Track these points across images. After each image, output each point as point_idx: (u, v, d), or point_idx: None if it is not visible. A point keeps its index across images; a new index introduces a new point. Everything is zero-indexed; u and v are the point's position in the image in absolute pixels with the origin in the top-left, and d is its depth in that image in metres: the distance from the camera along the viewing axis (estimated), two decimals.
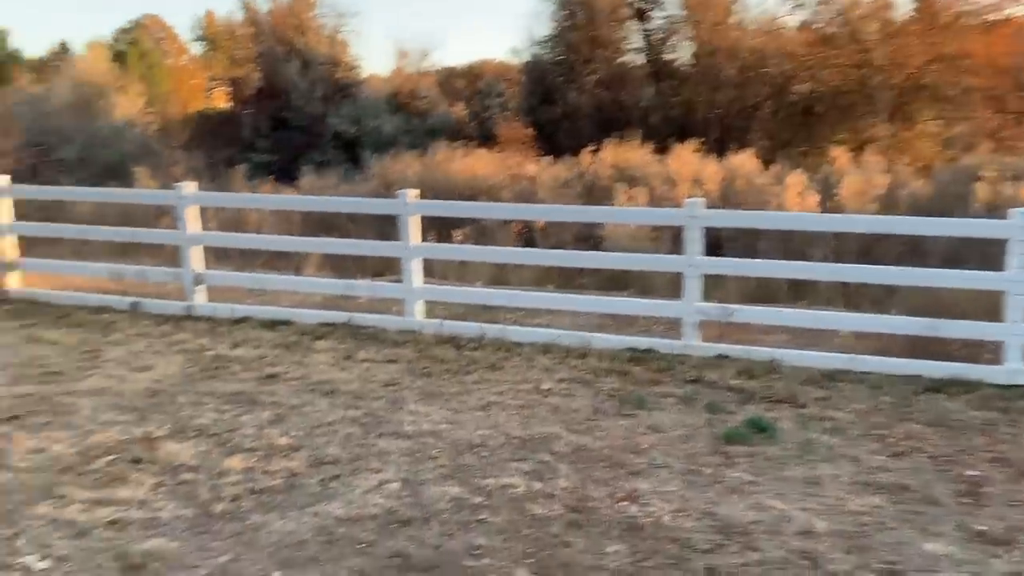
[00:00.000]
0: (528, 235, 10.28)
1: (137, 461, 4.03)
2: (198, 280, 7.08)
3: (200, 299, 7.07)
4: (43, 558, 3.17)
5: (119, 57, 23.41)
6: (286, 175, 14.78)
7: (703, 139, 12.93)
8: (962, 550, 3.29)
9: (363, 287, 7.15)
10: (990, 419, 4.65)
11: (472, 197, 11.19)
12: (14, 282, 7.73)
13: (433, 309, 6.73)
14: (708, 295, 5.98)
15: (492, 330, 6.27)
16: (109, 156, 16.83)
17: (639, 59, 18.63)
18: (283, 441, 4.32)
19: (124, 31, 28.20)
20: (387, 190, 11.80)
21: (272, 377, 5.38)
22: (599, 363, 5.61)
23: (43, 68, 21.73)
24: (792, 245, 8.90)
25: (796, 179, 10.18)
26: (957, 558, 3.24)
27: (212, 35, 24.36)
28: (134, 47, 25.73)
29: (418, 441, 4.33)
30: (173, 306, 7.09)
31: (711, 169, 11.10)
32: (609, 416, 4.69)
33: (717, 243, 8.17)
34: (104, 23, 53.54)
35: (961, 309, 5.74)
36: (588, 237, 9.74)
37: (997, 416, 4.69)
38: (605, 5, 18.08)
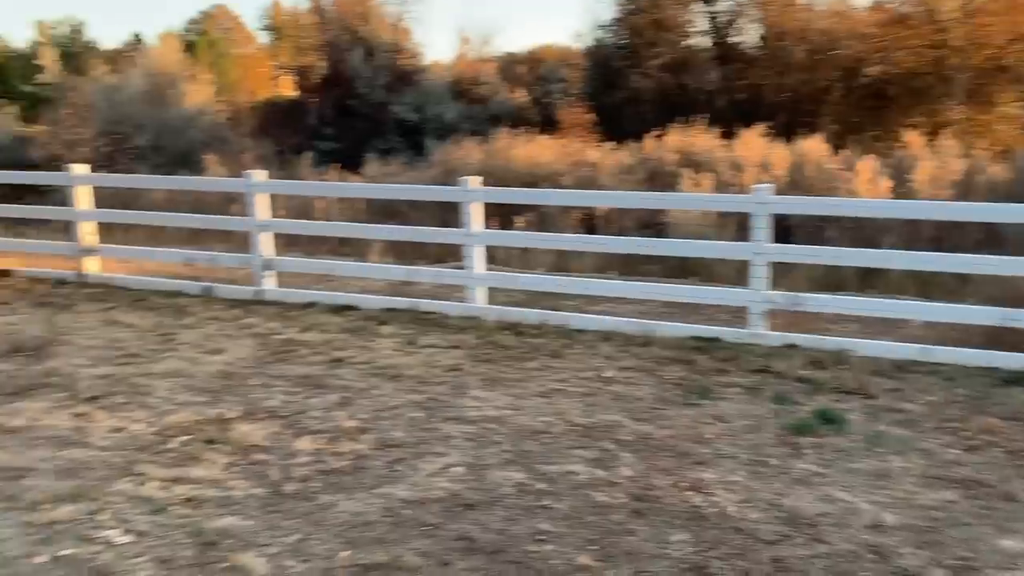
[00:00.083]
0: (590, 222, 10.22)
1: (211, 441, 4.16)
2: (267, 266, 7.24)
3: (269, 284, 7.24)
4: (124, 533, 3.30)
5: (189, 47, 23.97)
6: (351, 162, 14.95)
7: (770, 123, 12.64)
8: None
9: (426, 273, 7.23)
10: None
11: (533, 183, 11.16)
12: (93, 267, 8.03)
13: (495, 296, 6.77)
14: (775, 283, 5.88)
15: (554, 317, 6.28)
16: (181, 144, 17.28)
17: (705, 42, 18.30)
18: (350, 424, 4.40)
19: (194, 22, 28.92)
20: (449, 177, 11.85)
21: (339, 361, 5.49)
22: (662, 351, 5.57)
23: (118, 59, 22.38)
24: (862, 232, 8.67)
25: (867, 164, 9.89)
26: None
27: (278, 24, 24.78)
28: (204, 37, 26.34)
29: (481, 426, 4.37)
30: (243, 291, 7.27)
31: (779, 154, 10.85)
32: (673, 405, 4.66)
33: (785, 230, 8.00)
34: (176, 14, 54.94)
35: None
36: (651, 224, 9.63)
37: None
38: None
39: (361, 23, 20.56)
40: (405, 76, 20.35)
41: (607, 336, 5.94)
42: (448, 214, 7.37)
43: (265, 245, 7.27)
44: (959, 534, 3.29)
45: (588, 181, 11.14)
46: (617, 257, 8.26)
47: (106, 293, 7.49)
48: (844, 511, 3.48)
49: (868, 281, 7.51)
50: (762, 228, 5.70)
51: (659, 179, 10.98)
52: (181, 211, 9.78)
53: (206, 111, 18.88)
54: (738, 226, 8.69)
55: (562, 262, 8.78)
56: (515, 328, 6.17)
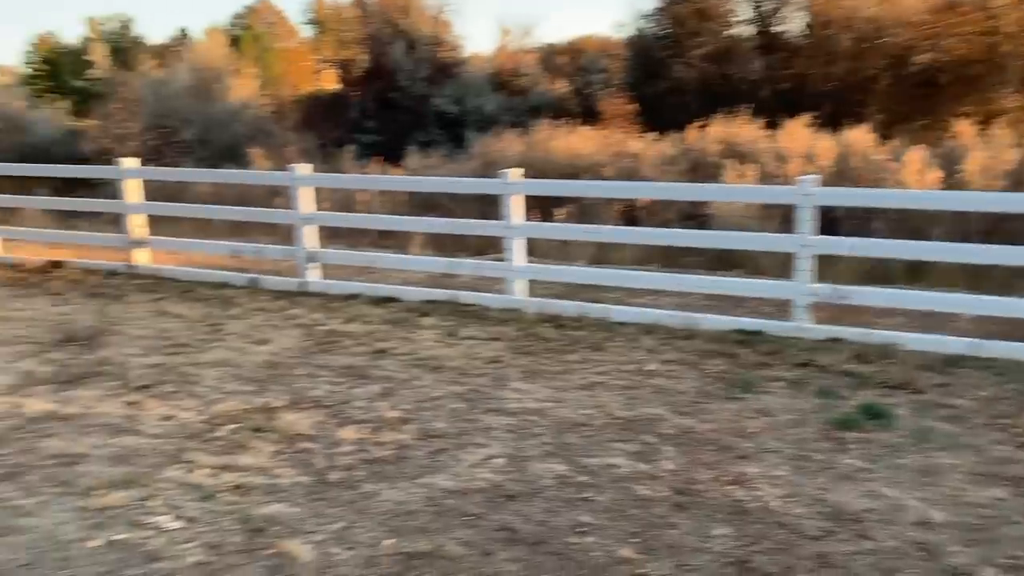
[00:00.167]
0: (631, 213, 10.17)
1: (258, 430, 4.24)
2: (311, 258, 7.34)
3: (313, 276, 7.34)
4: (174, 519, 3.38)
5: (234, 42, 24.31)
6: (392, 155, 15.06)
7: (815, 113, 12.43)
8: None
9: (467, 266, 7.26)
10: None
11: (574, 175, 11.14)
12: (143, 258, 8.20)
13: (535, 288, 6.77)
14: (820, 276, 5.80)
15: (594, 310, 6.27)
16: (226, 137, 17.55)
17: (748, 31, 18.05)
18: (393, 414, 4.45)
19: (239, 16, 29.31)
20: (489, 169, 11.88)
21: (381, 352, 5.55)
22: (705, 344, 5.54)
23: (165, 54, 22.77)
24: (910, 224, 8.50)
25: (916, 155, 9.69)
26: None
27: (321, 18, 24.99)
28: (248, 32, 26.68)
29: (522, 418, 4.39)
30: (288, 282, 7.38)
31: (824, 145, 10.67)
32: (715, 399, 4.63)
33: (830, 221, 7.87)
34: (221, 9, 55.72)
35: None
36: (693, 215, 9.56)
37: None
38: None
39: (402, 16, 20.66)
40: (446, 68, 20.41)
41: (649, 329, 5.91)
42: (488, 206, 7.39)
43: (309, 238, 7.36)
44: (1011, 532, 3.23)
45: (630, 172, 11.09)
46: (658, 249, 8.21)
47: (155, 284, 7.65)
48: (890, 507, 3.43)
49: (916, 274, 7.37)
50: (807, 220, 5.62)
51: (702, 170, 10.89)
52: (227, 204, 9.94)
53: (250, 105, 19.14)
54: (782, 218, 8.59)
55: (603, 254, 8.76)
56: (555, 320, 6.17)
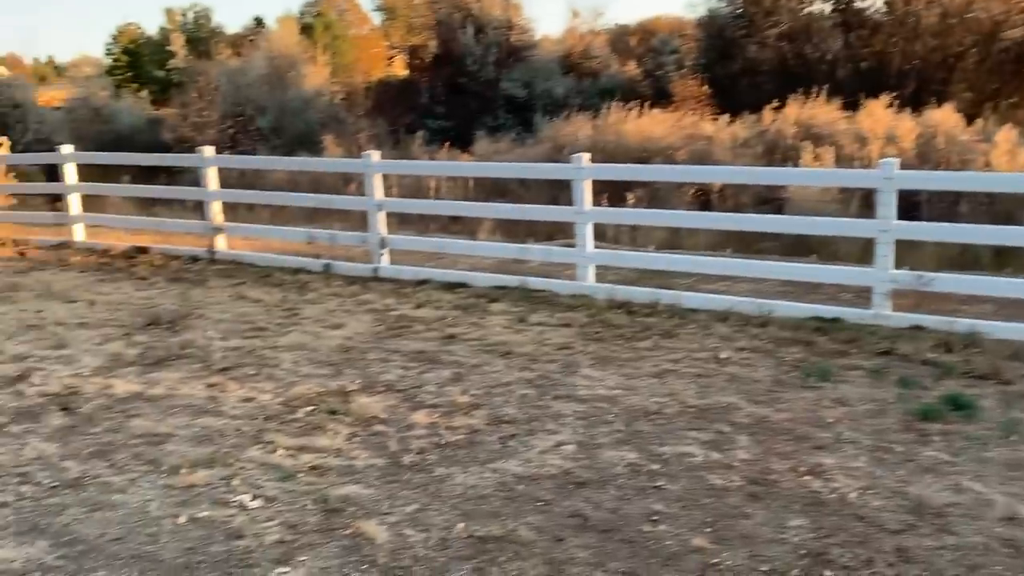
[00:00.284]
0: (704, 198, 10.02)
1: (333, 412, 4.34)
2: (383, 244, 7.44)
3: (385, 262, 7.44)
4: (255, 498, 3.49)
5: (306, 30, 24.72)
6: (461, 140, 15.14)
7: (897, 93, 12.01)
8: None
9: (536, 251, 7.26)
10: None
11: (645, 159, 11.02)
12: (221, 244, 8.45)
13: (604, 273, 6.73)
14: (901, 261, 5.62)
15: (666, 296, 6.20)
16: (299, 125, 17.91)
17: (826, 8, 17.52)
18: (463, 399, 4.50)
19: (310, 4, 29.74)
20: (558, 153, 11.84)
21: (452, 337, 5.60)
22: (781, 332, 5.43)
23: (240, 43, 23.29)
24: (998, 207, 8.17)
25: (1006, 135, 9.29)
26: None
27: (391, 4, 25.20)
28: (320, 19, 27.08)
29: (592, 405, 4.38)
30: (360, 268, 7.51)
31: (907, 126, 10.32)
32: (791, 388, 4.54)
33: (912, 205, 7.62)
34: None
35: None
36: (769, 199, 9.37)
37: None
38: None
39: (472, 0, 20.66)
40: (515, 52, 20.37)
41: (722, 316, 5.82)
42: (557, 191, 7.39)
43: (381, 224, 7.47)
44: None
45: (702, 156, 10.91)
46: (732, 234, 8.07)
47: (235, 269, 7.88)
48: (975, 502, 3.32)
49: (1004, 259, 7.08)
50: (888, 204, 5.44)
51: (777, 153, 10.66)
52: (301, 191, 10.15)
53: (323, 92, 19.46)
54: (861, 201, 8.35)
55: (675, 239, 8.66)
56: (626, 307, 6.13)
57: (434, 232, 9.60)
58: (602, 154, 10.65)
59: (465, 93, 19.43)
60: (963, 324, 5.29)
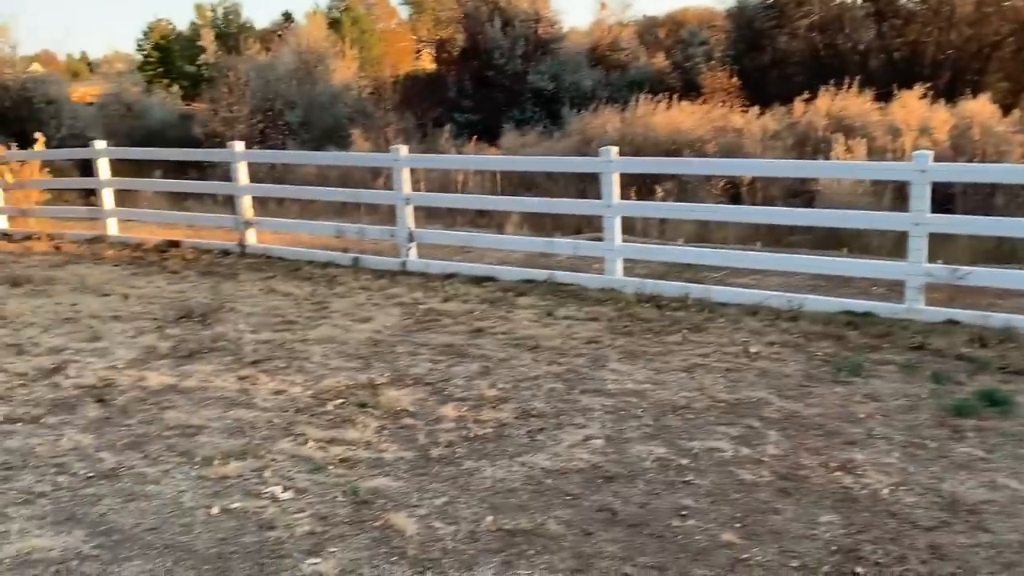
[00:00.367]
0: (734, 191, 9.94)
1: (363, 405, 4.37)
2: (412, 237, 7.47)
3: (413, 255, 7.47)
4: (286, 489, 3.53)
5: (334, 24, 24.84)
6: (488, 133, 15.14)
7: (931, 84, 11.82)
8: None
9: (564, 245, 7.25)
10: None
11: (674, 151, 10.95)
12: (252, 238, 8.53)
13: (633, 267, 6.71)
14: (935, 255, 5.54)
15: (695, 290, 6.16)
16: (327, 119, 18.01)
17: None
18: (491, 393, 4.51)
19: None
20: (586, 146, 11.80)
21: (479, 331, 5.61)
22: (812, 326, 5.37)
23: (269, 38, 23.46)
24: None
25: None
26: None
27: None
28: (347, 14, 27.20)
29: (621, 399, 4.37)
30: (389, 262, 7.54)
31: (941, 117, 10.15)
32: (822, 383, 4.50)
33: (947, 198, 7.50)
34: None
35: None
36: (799, 192, 9.27)
37: None
38: None
39: None
40: (542, 45, 20.31)
41: (752, 310, 5.78)
42: (585, 184, 7.36)
43: (410, 218, 7.49)
44: None
45: (732, 148, 10.82)
46: (762, 227, 8.01)
47: (265, 263, 7.95)
48: (1011, 499, 3.27)
49: None
50: (922, 197, 5.36)
51: (808, 145, 10.55)
52: (330, 185, 10.22)
53: (351, 86, 19.55)
54: (893, 194, 8.23)
55: (704, 233, 8.60)
56: (654, 300, 6.10)
57: (461, 226, 9.63)
58: (630, 147, 10.60)
59: (492, 86, 19.41)
60: (998, 319, 5.20)
